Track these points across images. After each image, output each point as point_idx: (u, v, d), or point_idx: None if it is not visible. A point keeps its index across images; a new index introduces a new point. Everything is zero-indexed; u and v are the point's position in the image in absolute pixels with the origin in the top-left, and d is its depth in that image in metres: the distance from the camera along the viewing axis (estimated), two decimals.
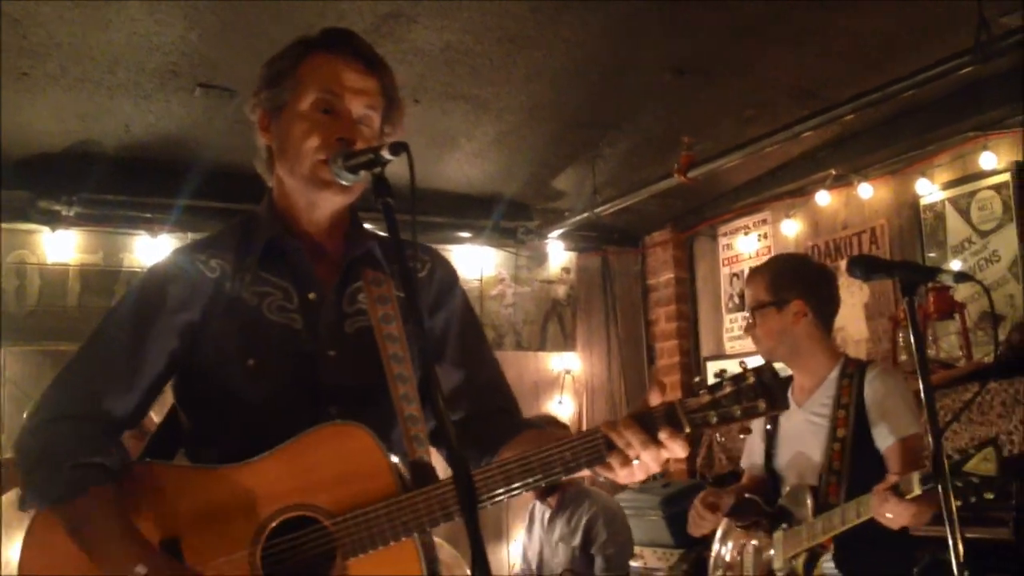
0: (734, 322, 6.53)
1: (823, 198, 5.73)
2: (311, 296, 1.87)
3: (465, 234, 6.46)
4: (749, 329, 3.30)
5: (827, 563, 2.96)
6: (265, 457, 1.71)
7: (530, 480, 1.67)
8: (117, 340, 1.83)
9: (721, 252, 6.74)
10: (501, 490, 1.67)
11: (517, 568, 5.16)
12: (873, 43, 4.28)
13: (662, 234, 7.03)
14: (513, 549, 6.12)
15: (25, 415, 1.85)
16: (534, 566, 4.77)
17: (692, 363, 6.85)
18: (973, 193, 5.00)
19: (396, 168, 1.65)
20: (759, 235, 6.42)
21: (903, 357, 4.93)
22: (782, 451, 3.26)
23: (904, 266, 2.46)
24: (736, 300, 6.53)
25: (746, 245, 6.52)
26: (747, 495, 3.29)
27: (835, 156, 5.56)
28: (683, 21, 4.12)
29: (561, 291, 7.01)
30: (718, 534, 3.41)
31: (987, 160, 4.87)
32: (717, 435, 5.89)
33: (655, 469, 1.66)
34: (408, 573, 1.67)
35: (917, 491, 2.59)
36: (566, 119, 5.15)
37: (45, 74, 4.22)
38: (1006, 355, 4.23)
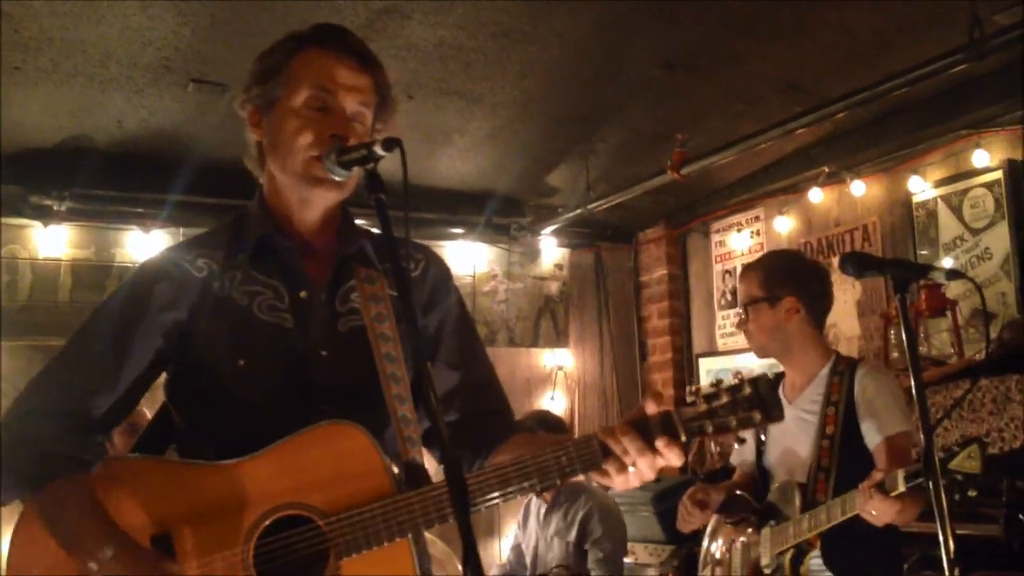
0: (726, 319, 6.54)
1: (816, 195, 5.75)
2: (302, 295, 1.86)
3: (458, 230, 6.47)
4: (742, 325, 3.30)
5: (814, 560, 2.97)
6: (259, 455, 1.71)
7: (525, 484, 1.66)
8: (101, 338, 1.83)
9: (714, 249, 6.75)
10: (496, 493, 1.66)
11: (505, 561, 5.17)
12: (865, 40, 4.28)
13: (655, 230, 7.04)
14: (505, 545, 6.12)
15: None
16: (528, 560, 4.78)
17: (684, 360, 6.85)
18: (965, 191, 5.02)
19: (389, 164, 1.65)
20: (752, 232, 6.43)
21: (895, 354, 4.94)
22: (772, 448, 3.27)
23: (896, 263, 2.47)
24: (729, 297, 6.54)
25: (739, 242, 6.52)
26: (737, 491, 3.30)
27: (828, 153, 5.57)
28: (674, 16, 4.12)
29: (554, 287, 7.01)
30: (708, 530, 3.42)
31: (979, 158, 4.88)
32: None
33: (650, 476, 1.66)
34: (402, 574, 1.67)
35: (901, 488, 2.59)
36: (559, 114, 5.15)
37: (37, 68, 4.20)
38: (997, 352, 4.24)
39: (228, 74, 4.33)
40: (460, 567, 1.44)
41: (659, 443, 1.63)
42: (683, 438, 1.64)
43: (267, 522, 1.68)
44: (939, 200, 5.15)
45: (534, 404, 6.55)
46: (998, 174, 4.85)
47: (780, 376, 3.29)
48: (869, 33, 4.23)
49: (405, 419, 1.79)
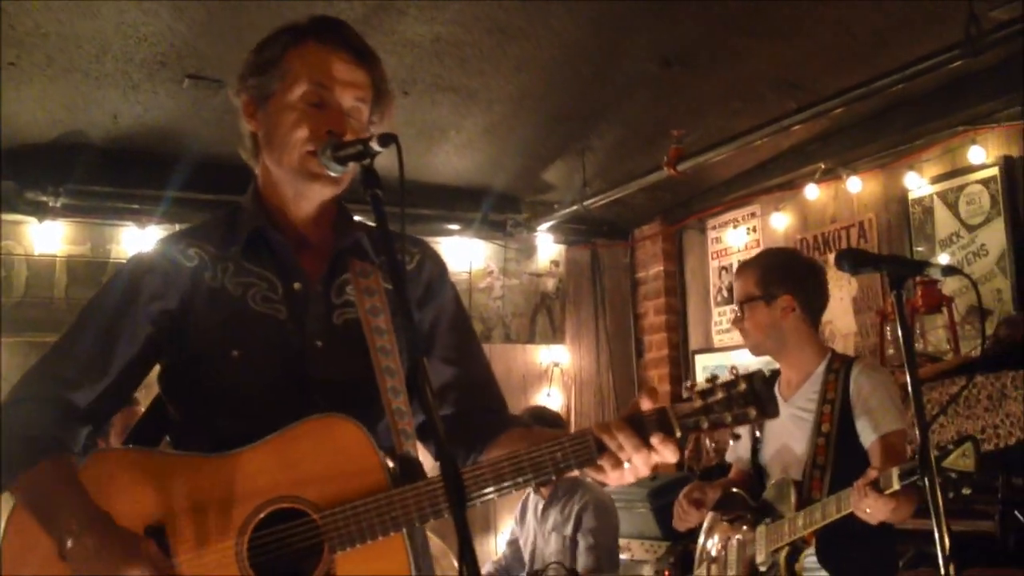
0: (723, 315, 6.54)
1: (812, 192, 5.74)
2: (296, 286, 1.85)
3: (454, 226, 6.46)
4: (737, 323, 3.30)
5: (809, 557, 2.97)
6: (254, 447, 1.70)
7: (520, 479, 1.66)
8: (89, 329, 1.83)
9: (710, 245, 6.75)
10: (491, 488, 1.66)
11: (500, 556, 5.17)
12: (862, 36, 4.28)
13: (651, 227, 7.04)
14: (501, 541, 6.12)
15: None
16: (527, 556, 4.79)
17: (680, 356, 6.85)
18: (962, 187, 5.02)
19: (385, 160, 1.65)
20: (748, 228, 6.43)
21: (891, 351, 4.94)
22: (768, 445, 3.27)
23: (892, 260, 2.46)
24: (725, 294, 6.54)
25: (735, 238, 6.52)
26: (733, 489, 3.30)
27: (824, 150, 5.57)
28: (671, 13, 4.12)
29: (550, 284, 7.01)
30: (704, 527, 3.42)
31: (976, 154, 4.88)
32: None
33: (644, 473, 1.66)
34: (396, 568, 1.66)
35: (896, 486, 2.60)
36: (555, 110, 5.15)
37: (32, 64, 4.19)
38: (993, 349, 4.25)
39: (224, 70, 4.33)
40: (455, 562, 1.43)
41: (654, 439, 1.63)
42: (678, 434, 1.64)
43: (261, 515, 1.68)
44: (935, 196, 5.15)
45: (530, 400, 6.56)
46: (994, 170, 4.84)
47: (776, 373, 3.28)
48: (866, 30, 4.23)
49: (399, 412, 1.78)
